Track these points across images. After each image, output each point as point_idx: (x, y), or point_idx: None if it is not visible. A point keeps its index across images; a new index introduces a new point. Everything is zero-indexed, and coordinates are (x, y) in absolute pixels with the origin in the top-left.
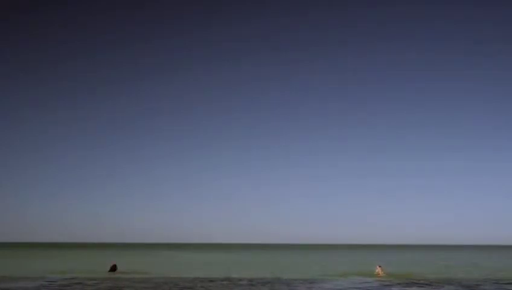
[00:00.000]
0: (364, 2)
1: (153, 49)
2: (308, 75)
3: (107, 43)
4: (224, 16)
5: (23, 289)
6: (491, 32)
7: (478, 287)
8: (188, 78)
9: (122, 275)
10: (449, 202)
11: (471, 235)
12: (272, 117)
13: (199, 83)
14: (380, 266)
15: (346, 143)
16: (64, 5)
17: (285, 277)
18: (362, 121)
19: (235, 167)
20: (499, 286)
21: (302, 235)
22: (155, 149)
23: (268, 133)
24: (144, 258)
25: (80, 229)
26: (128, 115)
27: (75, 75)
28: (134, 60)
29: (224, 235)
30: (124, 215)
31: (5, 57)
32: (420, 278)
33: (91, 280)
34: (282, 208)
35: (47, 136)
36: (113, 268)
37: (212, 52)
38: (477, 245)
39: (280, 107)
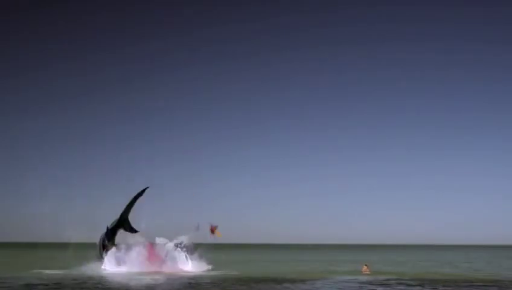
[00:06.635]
0: (364, 2)
1: (152, 49)
2: (308, 75)
3: (107, 43)
4: (224, 16)
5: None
6: (491, 32)
7: (446, 288)
8: (187, 78)
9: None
10: (449, 202)
11: (471, 235)
12: (272, 117)
13: (199, 82)
14: (366, 265)
15: (345, 143)
16: (64, 4)
17: (275, 276)
18: (362, 121)
19: (235, 167)
20: (460, 288)
21: (301, 235)
22: (155, 149)
23: (269, 133)
24: None
25: (80, 229)
26: (129, 114)
27: (74, 75)
28: (134, 60)
29: (223, 235)
30: None
31: (5, 57)
32: (400, 277)
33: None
34: (282, 208)
35: (47, 136)
36: None
37: (212, 52)
38: (477, 245)
39: (280, 107)
